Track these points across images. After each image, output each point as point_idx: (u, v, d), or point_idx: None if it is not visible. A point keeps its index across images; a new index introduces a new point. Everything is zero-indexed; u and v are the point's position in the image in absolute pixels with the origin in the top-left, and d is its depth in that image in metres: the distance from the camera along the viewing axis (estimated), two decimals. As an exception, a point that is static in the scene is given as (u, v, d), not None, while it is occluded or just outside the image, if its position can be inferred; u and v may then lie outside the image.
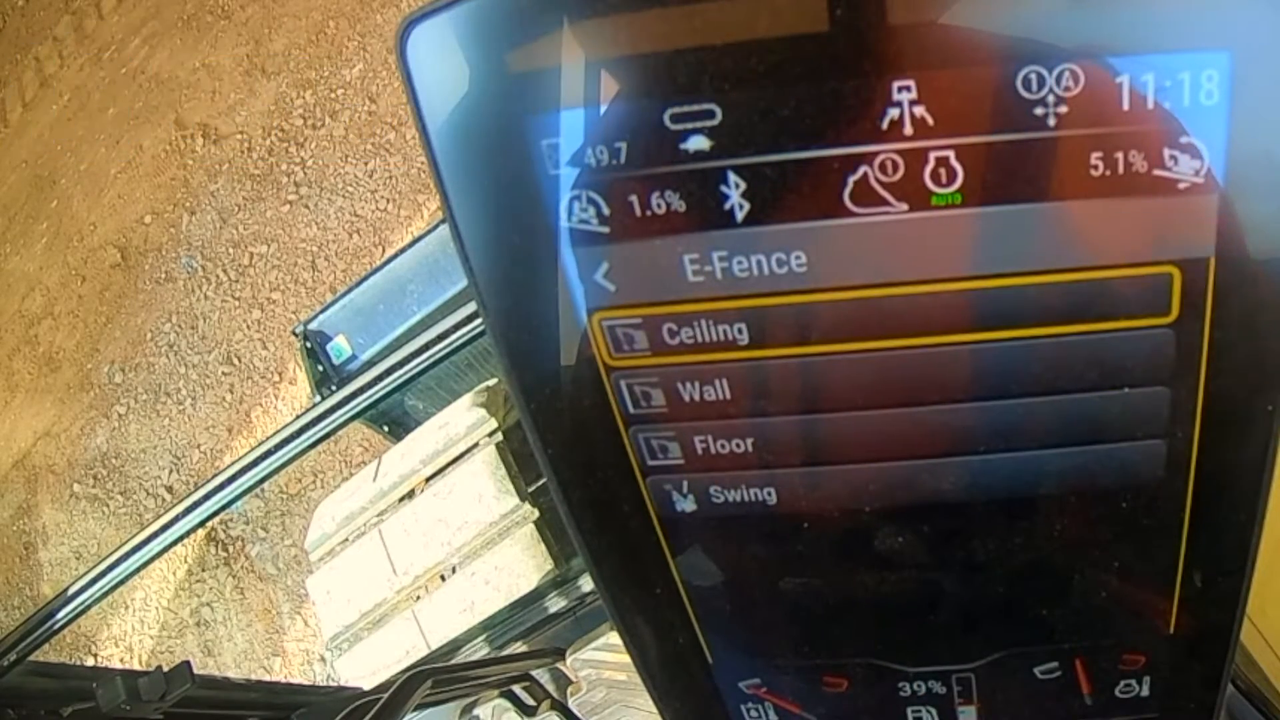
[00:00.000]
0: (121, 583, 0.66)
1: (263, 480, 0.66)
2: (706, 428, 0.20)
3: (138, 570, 0.66)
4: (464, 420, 0.98)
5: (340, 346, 1.16)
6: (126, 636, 2.04)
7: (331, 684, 1.55)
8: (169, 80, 2.62)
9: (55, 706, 0.58)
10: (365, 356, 1.15)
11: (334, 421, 0.66)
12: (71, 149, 2.70)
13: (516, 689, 0.75)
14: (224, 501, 0.66)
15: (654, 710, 0.26)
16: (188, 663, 0.58)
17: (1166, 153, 0.16)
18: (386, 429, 1.22)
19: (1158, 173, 0.16)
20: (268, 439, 0.66)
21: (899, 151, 0.17)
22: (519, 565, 0.92)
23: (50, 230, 2.62)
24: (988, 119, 0.16)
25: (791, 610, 0.23)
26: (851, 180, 0.17)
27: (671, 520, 0.22)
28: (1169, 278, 0.17)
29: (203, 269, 2.30)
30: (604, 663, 0.80)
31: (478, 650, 0.93)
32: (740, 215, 0.18)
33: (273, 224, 2.24)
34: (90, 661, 2.02)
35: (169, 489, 2.12)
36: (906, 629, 0.23)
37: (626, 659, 0.25)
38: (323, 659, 1.81)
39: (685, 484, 0.21)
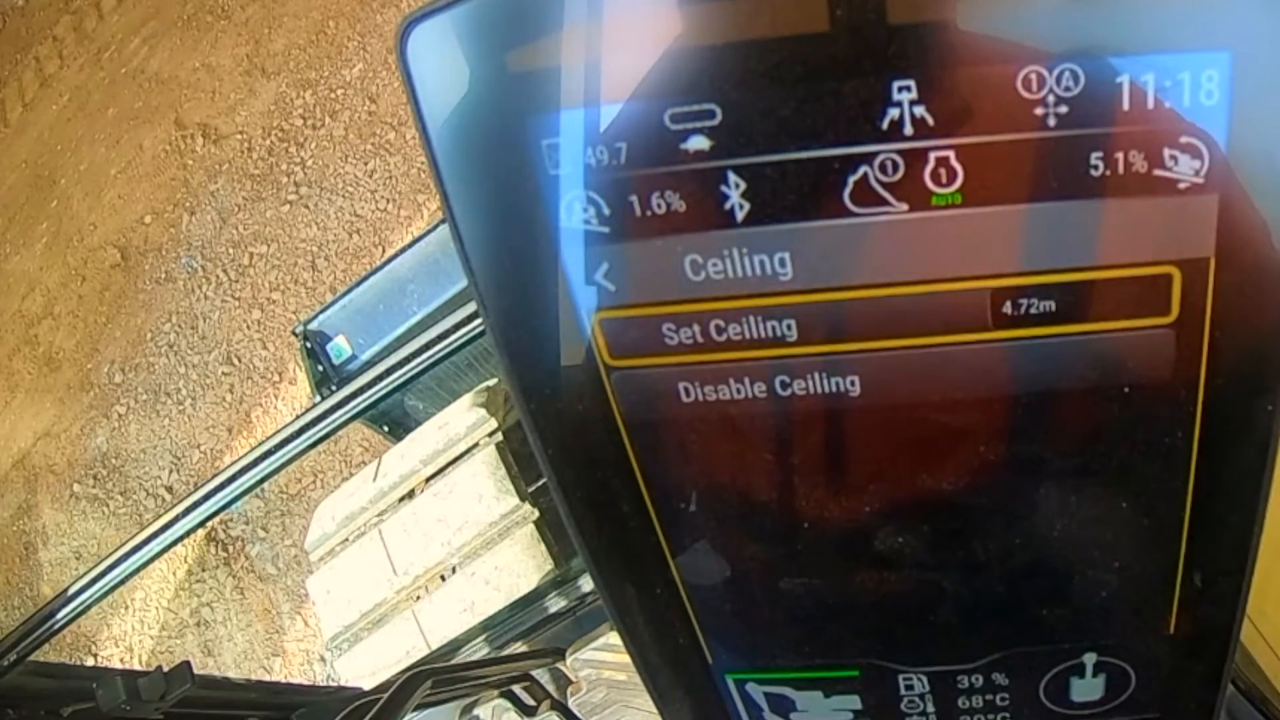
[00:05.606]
0: (121, 583, 0.66)
1: (263, 480, 0.66)
2: (707, 428, 0.20)
3: (138, 570, 0.66)
4: (464, 420, 0.98)
5: (340, 346, 1.16)
6: (126, 636, 2.04)
7: (331, 684, 1.55)
8: (169, 80, 2.62)
9: (55, 706, 0.58)
10: (365, 356, 1.15)
11: (334, 421, 0.66)
12: (71, 149, 2.70)
13: (516, 689, 0.75)
14: (224, 501, 0.66)
15: (654, 710, 0.26)
16: (188, 663, 0.58)
17: (1166, 153, 0.16)
18: (386, 429, 1.22)
19: (1158, 173, 0.16)
20: (268, 439, 0.66)
21: (899, 152, 0.17)
22: (519, 565, 0.92)
23: (50, 230, 2.62)
24: (988, 119, 0.16)
25: (792, 610, 0.23)
26: (851, 180, 0.17)
27: (672, 520, 0.22)
28: (1169, 278, 0.17)
29: (203, 269, 2.30)
30: (604, 663, 0.80)
31: (478, 650, 0.93)
32: (740, 215, 0.18)
33: (273, 224, 2.24)
34: (90, 661, 2.02)
35: (169, 489, 2.12)
36: (907, 629, 0.23)
37: (626, 659, 0.25)
38: (323, 659, 1.81)
39: (685, 484, 0.21)
